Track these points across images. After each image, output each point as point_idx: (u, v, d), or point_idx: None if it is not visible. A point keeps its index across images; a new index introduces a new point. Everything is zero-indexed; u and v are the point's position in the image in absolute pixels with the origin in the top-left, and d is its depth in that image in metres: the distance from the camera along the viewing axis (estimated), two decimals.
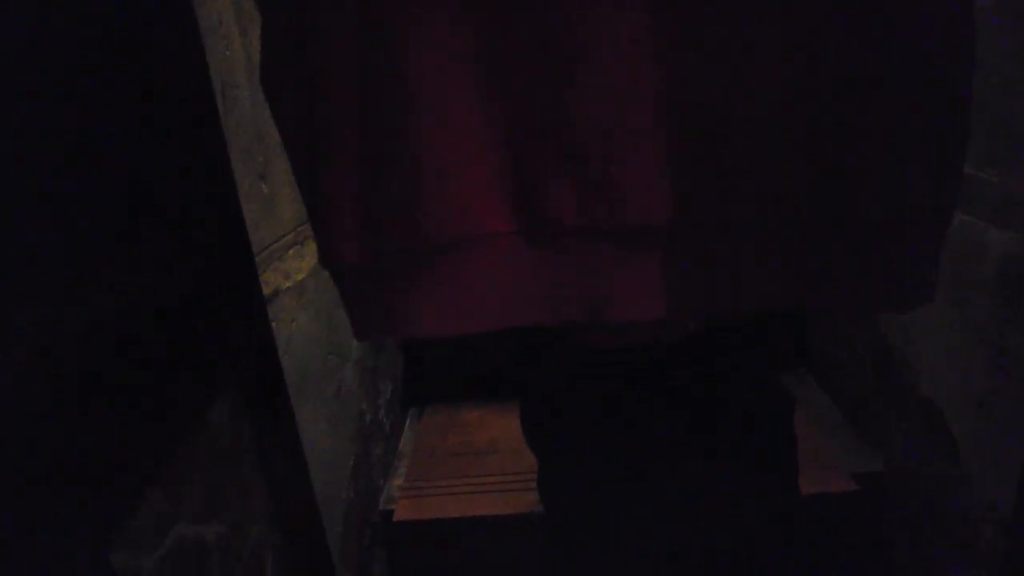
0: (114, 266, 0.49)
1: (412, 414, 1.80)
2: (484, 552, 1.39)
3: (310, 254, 1.07)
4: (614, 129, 0.44)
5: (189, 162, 0.60)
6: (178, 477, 0.52)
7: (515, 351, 0.76)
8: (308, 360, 1.05)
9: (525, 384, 0.77)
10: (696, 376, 0.72)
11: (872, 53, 0.44)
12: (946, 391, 1.13)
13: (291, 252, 1.00)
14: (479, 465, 1.53)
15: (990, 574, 1.03)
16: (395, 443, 1.64)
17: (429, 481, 1.49)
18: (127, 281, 0.49)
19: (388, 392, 1.60)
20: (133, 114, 0.53)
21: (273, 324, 0.91)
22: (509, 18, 0.43)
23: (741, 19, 0.43)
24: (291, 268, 1.00)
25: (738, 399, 0.78)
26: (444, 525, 1.36)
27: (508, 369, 0.83)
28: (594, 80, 0.43)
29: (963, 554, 1.10)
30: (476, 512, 1.37)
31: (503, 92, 0.45)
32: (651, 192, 0.45)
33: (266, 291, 0.90)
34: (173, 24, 0.60)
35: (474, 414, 1.75)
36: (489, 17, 0.43)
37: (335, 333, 1.19)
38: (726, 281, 0.49)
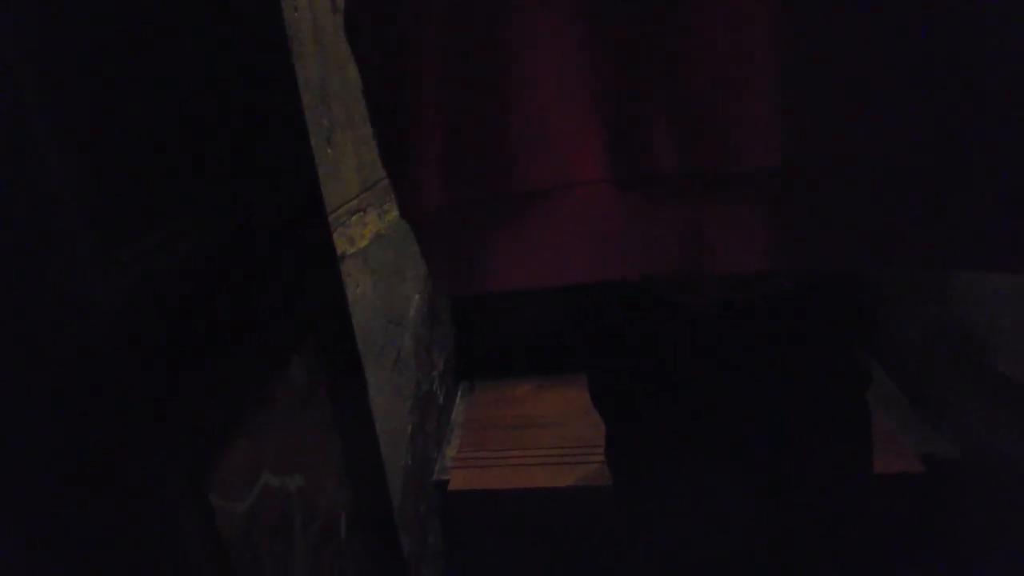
0: (197, 214, 0.49)
1: (463, 387, 1.80)
2: (538, 523, 1.39)
3: (372, 221, 1.07)
4: (724, 67, 0.41)
5: (267, 118, 0.60)
6: (262, 427, 0.52)
7: (585, 316, 0.75)
8: (370, 327, 1.06)
9: (594, 349, 0.75)
10: (773, 345, 0.69)
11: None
12: None
13: (354, 218, 1.00)
14: (530, 438, 1.53)
15: None
16: (447, 415, 1.65)
17: (482, 452, 1.49)
18: (205, 231, 0.49)
19: (441, 364, 1.60)
20: (208, 68, 0.53)
21: None
22: None
23: None
24: (355, 234, 1.00)
25: (814, 371, 0.75)
26: (498, 496, 1.37)
27: (574, 336, 0.80)
28: (704, 15, 0.40)
29: None
30: (530, 484, 1.37)
31: (603, 30, 0.43)
32: (760, 134, 0.42)
33: None
34: None
35: (524, 388, 1.75)
36: None
37: (395, 302, 1.19)
38: (832, 231, 0.46)
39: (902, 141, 0.43)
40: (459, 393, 1.78)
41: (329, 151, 0.91)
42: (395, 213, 0.67)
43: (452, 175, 0.48)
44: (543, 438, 1.52)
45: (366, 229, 1.04)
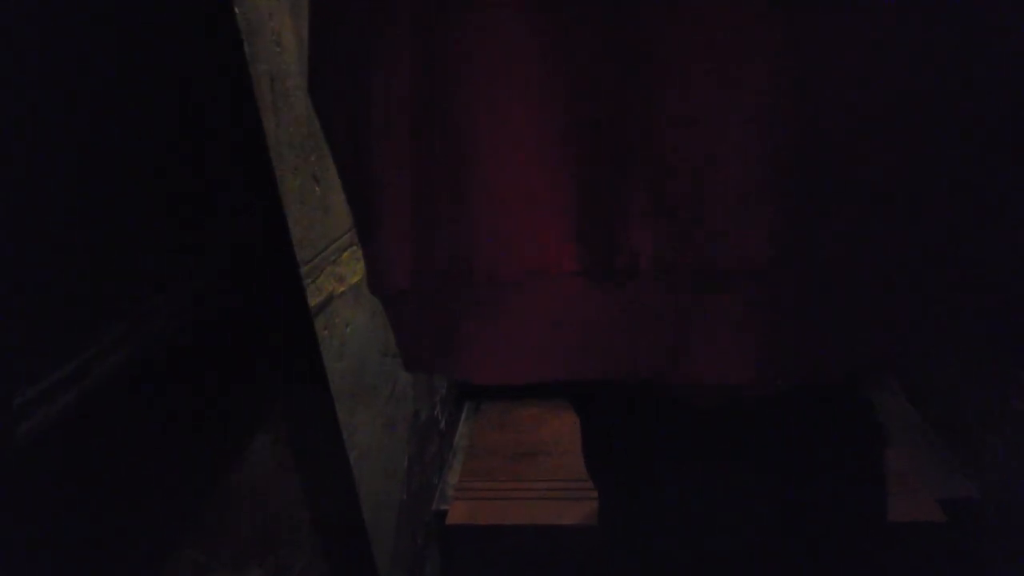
0: (146, 284, 0.45)
1: (468, 408, 1.76)
2: (537, 560, 1.35)
3: None
4: (708, 156, 0.36)
5: (231, 171, 0.56)
6: (218, 520, 0.49)
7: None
8: (364, 363, 1.02)
9: (588, 418, 0.70)
10: (780, 416, 0.64)
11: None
12: None
13: (346, 255, 0.96)
14: (534, 467, 1.48)
15: None
16: (450, 439, 1.62)
17: (483, 482, 1.45)
18: (158, 302, 0.45)
19: (444, 388, 1.57)
20: (166, 116, 0.49)
21: (325, 331, 0.88)
22: (588, 37, 0.36)
23: (862, 30, 0.35)
24: (346, 271, 0.96)
25: (824, 436, 0.70)
26: (497, 531, 1.33)
27: (574, 389, 0.75)
28: (687, 101, 0.36)
29: None
30: (530, 520, 1.33)
31: (579, 115, 0.38)
32: (746, 229, 0.37)
33: (319, 297, 0.86)
34: (209, 22, 0.55)
35: (530, 411, 1.70)
36: (566, 36, 0.37)
37: (391, 334, 1.15)
38: (826, 334, 0.41)
39: (897, 234, 0.38)
40: (464, 414, 1.75)
41: (317, 189, 0.87)
42: None
43: (418, 254, 0.44)
44: (547, 468, 1.47)
45: (359, 264, 1.00)
